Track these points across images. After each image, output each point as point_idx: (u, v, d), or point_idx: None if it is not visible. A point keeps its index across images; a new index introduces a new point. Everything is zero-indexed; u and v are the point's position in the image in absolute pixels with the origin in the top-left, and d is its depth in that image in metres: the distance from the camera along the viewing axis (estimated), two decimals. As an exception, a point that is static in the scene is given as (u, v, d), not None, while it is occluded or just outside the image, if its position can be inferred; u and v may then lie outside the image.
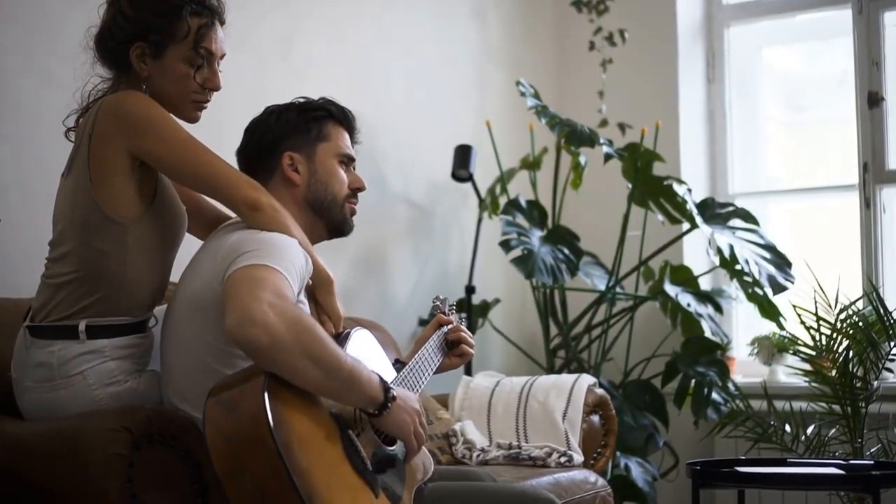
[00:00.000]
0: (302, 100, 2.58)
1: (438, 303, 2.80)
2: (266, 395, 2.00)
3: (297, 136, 2.52)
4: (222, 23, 2.50)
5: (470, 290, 4.40)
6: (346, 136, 2.59)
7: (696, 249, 4.69)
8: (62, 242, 2.41)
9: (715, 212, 4.36)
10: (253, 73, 3.81)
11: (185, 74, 2.44)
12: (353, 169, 2.60)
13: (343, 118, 2.58)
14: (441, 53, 4.77)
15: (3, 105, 3.12)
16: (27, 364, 2.41)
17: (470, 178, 4.43)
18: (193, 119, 2.51)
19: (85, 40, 2.47)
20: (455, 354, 2.73)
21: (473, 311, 4.46)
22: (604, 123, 4.72)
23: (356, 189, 2.58)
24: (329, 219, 2.53)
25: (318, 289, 2.45)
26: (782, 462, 3.27)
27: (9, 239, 3.05)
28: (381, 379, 2.19)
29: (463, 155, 4.41)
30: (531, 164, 4.65)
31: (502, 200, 4.57)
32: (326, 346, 2.09)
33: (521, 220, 4.37)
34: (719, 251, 4.16)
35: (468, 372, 4.13)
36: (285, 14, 4.06)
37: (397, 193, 4.52)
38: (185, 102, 2.47)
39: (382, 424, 2.22)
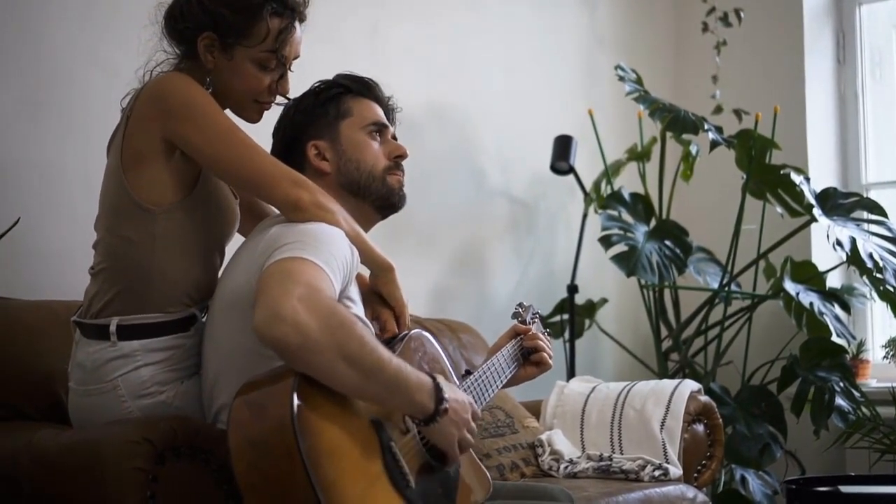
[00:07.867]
0: (318, 84, 2.40)
1: (520, 310, 2.60)
2: (294, 397, 1.82)
3: (317, 121, 2.35)
4: (302, 21, 2.32)
5: (572, 289, 4.13)
6: (373, 105, 2.39)
7: (826, 243, 4.34)
8: (97, 228, 2.29)
9: (837, 202, 4.01)
10: (339, 63, 3.58)
11: (254, 76, 2.28)
12: (394, 138, 2.41)
13: (363, 88, 2.40)
14: (545, 39, 4.54)
15: (69, 100, 3.01)
16: (73, 361, 2.29)
17: (570, 171, 4.18)
18: (253, 120, 2.35)
19: (154, 13, 2.32)
20: (531, 363, 2.52)
21: (577, 312, 4.20)
22: (718, 110, 4.43)
23: (397, 158, 2.37)
24: (372, 197, 2.34)
25: (377, 277, 2.28)
26: (893, 480, 2.94)
27: (70, 237, 2.90)
28: (436, 386, 1.99)
29: (562, 146, 4.16)
30: (639, 155, 4.36)
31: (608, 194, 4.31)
32: (365, 345, 1.89)
33: (625, 214, 4.10)
34: (840, 245, 3.81)
35: (570, 377, 3.89)
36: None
37: (496, 188, 4.29)
38: (248, 103, 2.32)
39: (429, 434, 2.04)
